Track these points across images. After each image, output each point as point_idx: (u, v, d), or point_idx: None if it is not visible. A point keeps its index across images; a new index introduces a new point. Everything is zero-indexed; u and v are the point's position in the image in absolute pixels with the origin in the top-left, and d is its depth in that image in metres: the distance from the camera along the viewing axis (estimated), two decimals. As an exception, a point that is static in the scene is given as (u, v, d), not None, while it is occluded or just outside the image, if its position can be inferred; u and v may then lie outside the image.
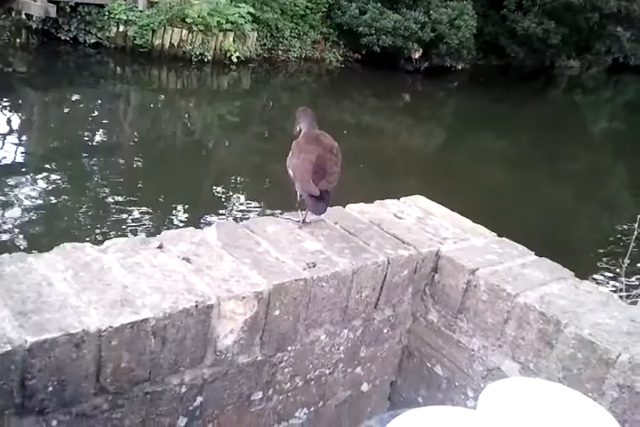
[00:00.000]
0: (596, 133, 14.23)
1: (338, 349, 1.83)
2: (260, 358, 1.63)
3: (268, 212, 6.35)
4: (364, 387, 1.99)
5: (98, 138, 8.35)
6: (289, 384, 1.75)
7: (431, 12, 15.23)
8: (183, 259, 1.59)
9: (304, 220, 1.91)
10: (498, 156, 10.28)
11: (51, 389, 1.26)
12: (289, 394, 1.77)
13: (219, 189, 7.20)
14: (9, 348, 1.19)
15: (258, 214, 6.43)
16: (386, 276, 1.81)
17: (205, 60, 12.51)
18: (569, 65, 20.18)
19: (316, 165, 1.80)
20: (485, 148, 10.79)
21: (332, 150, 1.86)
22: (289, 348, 1.69)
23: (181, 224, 5.92)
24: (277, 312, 1.59)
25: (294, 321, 1.65)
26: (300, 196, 1.85)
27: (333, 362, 1.84)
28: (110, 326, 1.29)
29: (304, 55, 14.77)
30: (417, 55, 15.47)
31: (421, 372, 1.98)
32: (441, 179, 8.23)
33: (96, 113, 9.60)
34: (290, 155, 1.88)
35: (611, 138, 13.67)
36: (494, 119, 12.73)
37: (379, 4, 14.95)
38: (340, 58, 15.33)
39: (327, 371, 1.84)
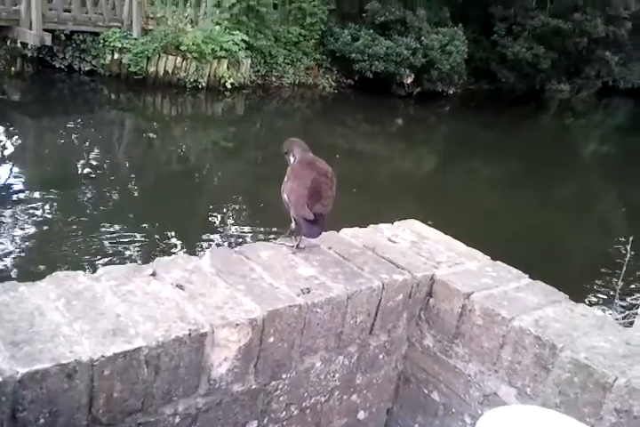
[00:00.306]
0: (587, 157, 14.29)
1: (333, 376, 1.81)
2: (254, 387, 1.61)
3: (262, 237, 6.34)
4: (361, 415, 1.97)
5: (92, 165, 8.37)
6: (284, 413, 1.73)
7: (422, 38, 15.46)
8: (176, 286, 1.58)
9: (298, 245, 1.91)
10: (490, 180, 10.35)
11: (42, 421, 1.25)
12: (284, 423, 1.75)
13: (213, 214, 7.20)
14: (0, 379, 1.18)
15: (252, 240, 6.42)
16: (380, 301, 1.80)
17: (200, 86, 12.65)
18: (559, 89, 20.45)
19: (311, 189, 1.81)
20: (477, 172, 10.86)
21: (327, 174, 1.88)
22: (284, 375, 1.67)
23: (175, 251, 5.90)
24: (272, 339, 1.58)
25: (289, 348, 1.64)
26: (295, 220, 1.86)
27: (329, 389, 1.82)
28: (103, 356, 1.28)
29: (297, 81, 14.93)
30: (409, 80, 15.66)
31: (418, 398, 1.97)
32: (434, 203, 8.25)
33: (90, 140, 9.61)
34: (285, 179, 1.89)
35: (601, 161, 13.71)
36: (485, 144, 12.85)
37: (371, 31, 15.18)
38: (332, 83, 15.50)
39: (323, 399, 1.82)
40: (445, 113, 16.49)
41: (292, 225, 1.91)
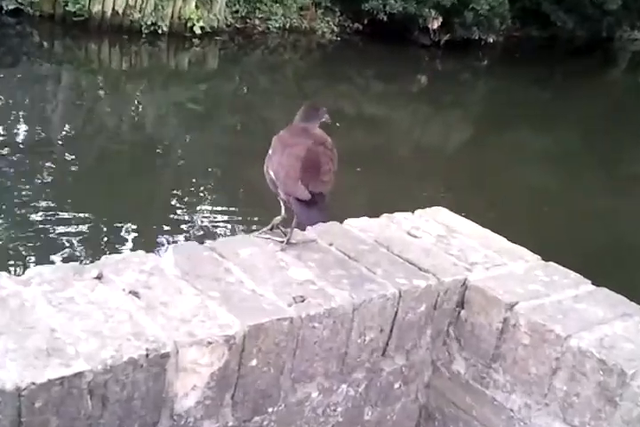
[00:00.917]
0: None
1: (334, 410, 1.82)
2: (231, 424, 1.61)
3: (242, 229, 6.34)
4: (370, 461, 1.98)
5: (19, 133, 8.40)
6: (270, 459, 1.74)
7: (453, -32, 15.44)
8: (130, 293, 1.58)
9: (289, 240, 1.91)
10: (541, 156, 10.35)
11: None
12: (270, 471, 1.75)
13: (177, 200, 7.21)
14: None
15: (228, 233, 6.42)
16: (397, 313, 1.81)
17: (159, 31, 12.69)
18: (632, 37, 20.41)
19: (306, 161, 1.81)
20: (524, 145, 10.84)
21: (326, 144, 1.87)
22: (270, 409, 1.68)
23: (127, 247, 5.91)
24: (254, 362, 1.58)
25: (277, 374, 1.64)
26: (285, 205, 1.85)
27: (329, 428, 1.83)
28: (33, 383, 1.27)
29: (288, 25, 14.91)
30: (435, 25, 15.63)
31: (445, 440, 1.98)
32: (468, 186, 8.26)
33: (16, 101, 9.60)
34: (269, 153, 1.88)
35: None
36: (535, 108, 12.85)
37: (385, -42, 15.16)
38: (335, 28, 15.47)
39: (321, 440, 1.83)
40: (483, 68, 16.46)
41: (282, 212, 1.90)
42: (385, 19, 14.93)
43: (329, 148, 1.89)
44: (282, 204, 1.88)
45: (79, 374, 1.32)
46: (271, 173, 1.86)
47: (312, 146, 1.85)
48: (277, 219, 1.97)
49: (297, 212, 1.81)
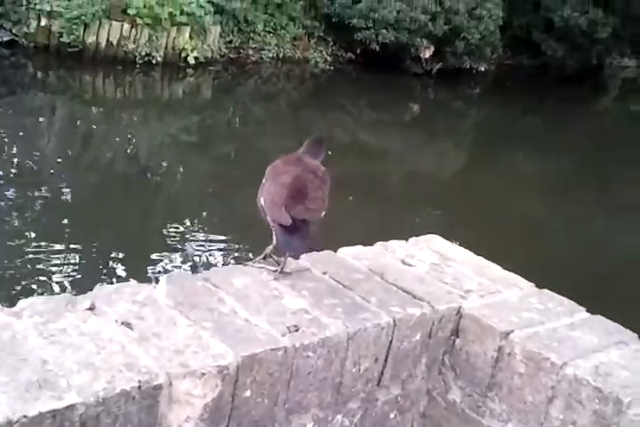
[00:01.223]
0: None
1: (330, 441, 1.81)
2: (225, 456, 1.61)
3: (236, 259, 6.33)
4: None
5: (12, 164, 8.36)
6: None
7: (444, -2, 15.62)
8: (122, 324, 1.58)
9: (282, 269, 1.91)
10: (534, 182, 10.33)
11: None
12: None
13: (170, 229, 7.18)
14: None
15: (222, 262, 6.41)
16: (391, 342, 1.80)
17: (154, 61, 12.59)
18: (622, 64, 20.58)
19: (293, 188, 1.82)
20: (517, 171, 10.85)
21: (317, 172, 1.89)
22: (264, 441, 1.66)
23: (121, 277, 5.88)
24: (248, 393, 1.58)
25: (271, 405, 1.64)
26: (275, 233, 1.85)
27: (324, 459, 1.83)
28: (24, 416, 1.26)
29: (282, 55, 14.93)
30: (427, 54, 15.73)
31: (441, 471, 1.97)
32: (461, 213, 8.27)
33: (10, 132, 9.61)
34: (263, 181, 1.90)
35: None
36: (528, 135, 12.88)
37: (377, -11, 15.34)
38: (328, 58, 15.55)
39: (316, 472, 1.82)
40: (475, 96, 16.55)
41: (274, 241, 1.91)
42: (377, 48, 15.04)
43: (319, 175, 1.90)
44: (273, 232, 1.88)
45: (71, 407, 1.32)
46: (261, 201, 1.88)
47: (301, 173, 1.87)
48: (270, 248, 1.97)
49: (277, 238, 1.82)
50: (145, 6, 12.26)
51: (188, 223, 7.47)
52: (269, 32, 14.87)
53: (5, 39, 12.25)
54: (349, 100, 14.03)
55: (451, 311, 1.88)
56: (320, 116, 12.55)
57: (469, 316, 1.87)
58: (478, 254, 2.23)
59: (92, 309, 1.61)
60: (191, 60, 12.90)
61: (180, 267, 6.26)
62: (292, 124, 11.70)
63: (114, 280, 5.76)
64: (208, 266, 6.20)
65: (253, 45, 14.67)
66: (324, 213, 1.90)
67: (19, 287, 5.49)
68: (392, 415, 1.92)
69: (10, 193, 7.41)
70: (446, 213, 8.35)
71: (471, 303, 1.92)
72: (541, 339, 1.79)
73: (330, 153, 2.19)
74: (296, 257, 1.99)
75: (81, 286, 5.58)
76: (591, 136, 13.50)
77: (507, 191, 9.70)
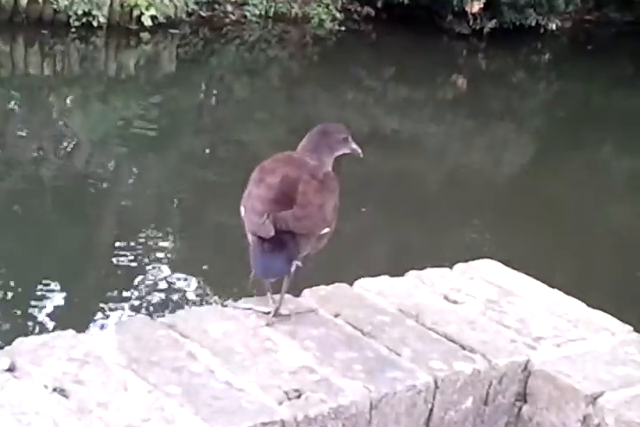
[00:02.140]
0: None
1: None
2: None
3: (212, 296, 6.31)
4: None
5: None
6: None
7: None
8: (54, 390, 1.57)
9: (278, 310, 1.88)
10: (629, 187, 10.33)
11: None
12: None
13: (121, 256, 7.16)
14: None
15: (193, 302, 6.39)
16: (432, 411, 1.78)
17: (95, 23, 12.67)
18: None
19: (279, 191, 1.79)
20: (605, 172, 10.81)
21: (315, 172, 1.86)
22: None
23: (51, 324, 5.86)
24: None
25: None
26: (251, 249, 1.83)
27: None
28: None
29: (272, 12, 15.01)
30: (475, 8, 15.74)
31: None
32: (526, 229, 8.22)
33: None
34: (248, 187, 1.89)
35: None
36: (620, 118, 12.82)
37: None
38: (337, 15, 15.52)
39: None
40: (543, 64, 16.58)
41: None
42: (407, 0, 15.10)
43: (319, 178, 1.87)
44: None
45: None
46: (242, 210, 1.86)
47: (292, 173, 1.85)
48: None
49: (252, 256, 1.79)
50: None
51: (146, 246, 7.45)
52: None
53: None
54: (368, 71, 14.03)
55: (515, 367, 1.87)
56: (327, 94, 12.57)
57: (541, 373, 1.87)
58: (552, 286, 2.21)
59: (11, 370, 1.60)
60: (147, 21, 12.93)
61: (134, 309, 6.24)
62: (288, 108, 11.75)
63: (41, 330, 5.75)
64: (173, 307, 6.18)
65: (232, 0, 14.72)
66: (326, 229, 1.87)
67: None
68: None
69: None
70: (505, 228, 8.32)
71: (543, 356, 1.91)
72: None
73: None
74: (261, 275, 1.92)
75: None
76: None
77: (591, 198, 9.65)
